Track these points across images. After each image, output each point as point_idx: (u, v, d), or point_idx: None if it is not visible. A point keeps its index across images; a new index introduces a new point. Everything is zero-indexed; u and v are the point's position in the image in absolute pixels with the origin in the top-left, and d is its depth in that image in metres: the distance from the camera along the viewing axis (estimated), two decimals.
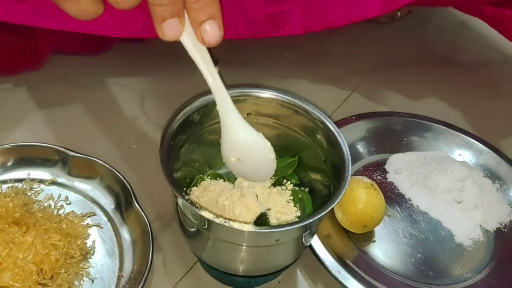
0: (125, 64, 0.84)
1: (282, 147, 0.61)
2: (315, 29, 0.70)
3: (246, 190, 0.57)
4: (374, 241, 0.63)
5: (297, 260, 0.56)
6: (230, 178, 0.61)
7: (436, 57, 0.97)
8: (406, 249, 0.63)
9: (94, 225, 0.61)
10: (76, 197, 0.63)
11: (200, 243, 0.53)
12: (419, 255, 0.62)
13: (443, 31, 1.03)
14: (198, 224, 0.49)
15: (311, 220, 0.47)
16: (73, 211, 0.61)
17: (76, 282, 0.55)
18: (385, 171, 0.71)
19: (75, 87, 0.79)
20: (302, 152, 0.60)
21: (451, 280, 0.60)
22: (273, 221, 0.56)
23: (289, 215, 0.57)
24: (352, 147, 0.67)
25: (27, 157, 0.65)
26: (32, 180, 0.64)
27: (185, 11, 0.41)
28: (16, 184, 0.63)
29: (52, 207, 0.61)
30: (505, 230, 0.66)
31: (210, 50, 0.44)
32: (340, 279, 0.57)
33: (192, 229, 0.52)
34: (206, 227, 0.48)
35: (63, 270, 0.55)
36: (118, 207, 0.62)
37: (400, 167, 0.71)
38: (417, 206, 0.67)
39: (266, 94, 0.57)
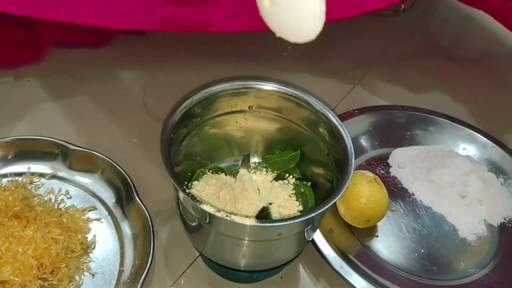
0: (126, 57, 0.84)
1: (284, 141, 0.61)
2: None
3: (248, 184, 0.56)
4: (377, 236, 0.62)
5: (299, 255, 0.56)
6: (232, 172, 0.61)
7: (440, 50, 0.96)
8: (410, 244, 0.62)
9: (94, 219, 0.60)
10: (76, 191, 0.63)
11: (201, 237, 0.53)
12: (422, 250, 0.62)
13: (447, 24, 1.02)
14: (200, 218, 0.49)
15: (313, 214, 0.47)
16: (73, 205, 0.61)
17: (76, 277, 0.55)
18: (388, 165, 0.71)
19: (76, 81, 0.79)
20: (304, 146, 0.60)
21: (454, 276, 0.60)
22: (275, 215, 0.56)
23: (291, 209, 0.56)
24: (355, 141, 0.67)
25: (27, 150, 0.64)
26: (33, 174, 0.63)
27: None
28: (16, 178, 0.63)
29: (53, 201, 0.61)
30: (510, 225, 0.66)
31: None
32: (343, 274, 0.56)
33: (194, 224, 0.51)
34: (207, 221, 0.48)
35: (64, 265, 0.55)
36: (119, 201, 0.62)
37: (404, 161, 0.70)
38: (421, 200, 0.67)
39: (268, 86, 0.57)
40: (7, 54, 0.79)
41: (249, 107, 0.58)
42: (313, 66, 0.86)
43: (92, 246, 0.58)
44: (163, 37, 0.85)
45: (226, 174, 0.60)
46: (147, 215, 0.58)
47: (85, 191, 0.63)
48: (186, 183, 0.58)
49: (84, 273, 0.56)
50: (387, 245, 0.62)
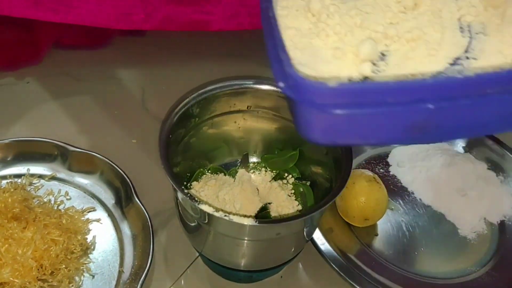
0: (125, 58, 0.84)
1: (282, 140, 0.61)
2: None
3: (247, 184, 0.56)
4: (377, 235, 0.62)
5: (299, 254, 0.56)
6: (231, 172, 0.60)
7: None
8: (409, 243, 0.62)
9: (94, 220, 0.60)
10: (76, 192, 0.63)
11: (201, 237, 0.52)
12: (422, 249, 0.62)
13: None
14: (198, 218, 0.49)
15: (312, 214, 0.47)
16: (73, 206, 0.61)
17: (76, 278, 0.55)
18: (387, 164, 0.71)
19: (75, 82, 0.79)
20: (303, 145, 0.59)
21: (455, 274, 0.60)
22: (274, 214, 0.56)
23: (290, 208, 0.56)
24: None
25: (26, 152, 0.64)
26: (32, 175, 0.63)
27: None
28: (16, 179, 0.63)
29: (52, 202, 0.61)
30: (510, 222, 0.65)
31: None
32: (342, 273, 0.56)
33: (193, 224, 0.51)
34: (206, 221, 0.48)
35: (63, 266, 0.55)
36: (119, 202, 0.62)
37: (403, 160, 0.70)
38: (420, 199, 0.67)
39: (266, 86, 0.57)
40: (7, 55, 0.79)
41: (247, 107, 0.58)
42: None
43: (92, 247, 0.58)
44: (162, 38, 0.85)
45: (225, 174, 0.60)
46: (147, 215, 0.58)
47: (85, 192, 0.63)
48: (185, 183, 0.58)
49: (84, 274, 0.56)
50: (387, 244, 0.62)
